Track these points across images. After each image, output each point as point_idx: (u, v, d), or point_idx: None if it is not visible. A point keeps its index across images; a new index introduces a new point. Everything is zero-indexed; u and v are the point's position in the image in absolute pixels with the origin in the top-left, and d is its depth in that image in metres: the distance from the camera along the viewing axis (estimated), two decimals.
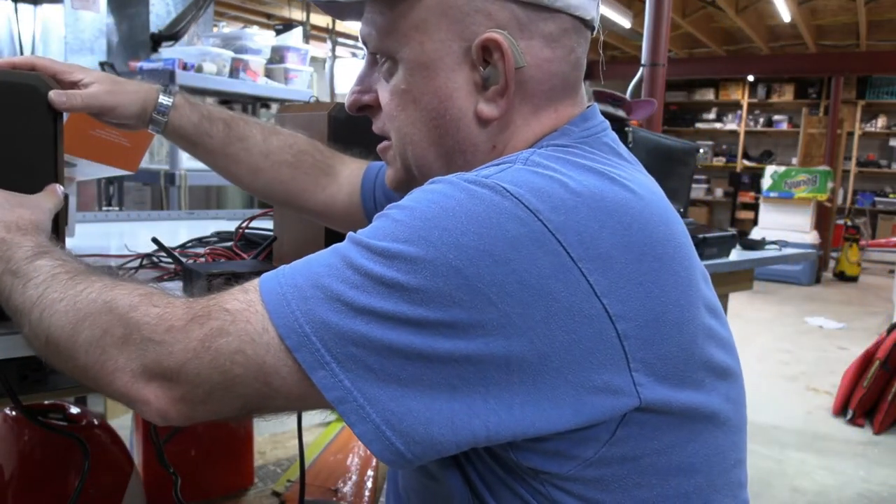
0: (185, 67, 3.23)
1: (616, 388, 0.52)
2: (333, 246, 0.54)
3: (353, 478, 2.07)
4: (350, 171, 1.00)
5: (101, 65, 3.24)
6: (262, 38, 3.85)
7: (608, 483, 0.55)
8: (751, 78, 9.55)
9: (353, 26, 8.22)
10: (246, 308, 0.53)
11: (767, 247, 2.08)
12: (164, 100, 0.90)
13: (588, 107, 0.68)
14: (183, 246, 1.32)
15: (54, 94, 0.78)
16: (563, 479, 0.55)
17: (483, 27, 0.60)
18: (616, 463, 0.55)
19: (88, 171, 1.16)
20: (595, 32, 0.67)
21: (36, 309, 0.59)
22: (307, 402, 0.54)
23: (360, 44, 0.69)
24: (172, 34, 3.75)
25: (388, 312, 0.50)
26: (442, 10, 0.60)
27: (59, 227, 0.79)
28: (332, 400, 0.51)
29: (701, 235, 1.63)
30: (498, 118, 0.62)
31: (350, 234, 0.54)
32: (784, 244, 2.19)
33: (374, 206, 0.95)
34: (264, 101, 4.20)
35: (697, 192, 9.50)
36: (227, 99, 4.17)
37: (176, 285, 1.02)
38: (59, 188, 0.78)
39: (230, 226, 1.47)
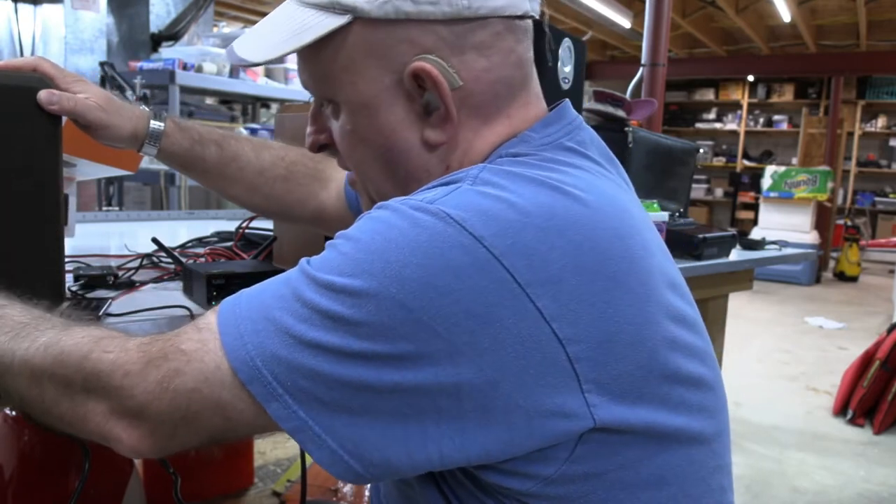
0: (185, 67, 3.23)
1: (569, 411, 0.52)
2: (286, 274, 0.55)
3: None
4: (340, 175, 1.00)
5: (102, 65, 3.24)
6: None
7: (573, 499, 0.55)
8: (751, 78, 9.55)
9: None
10: (200, 347, 0.54)
11: (767, 247, 2.08)
12: (155, 126, 0.90)
13: (555, 106, 0.66)
14: (183, 246, 1.32)
15: (44, 94, 0.77)
16: (527, 496, 0.55)
17: (409, 56, 0.59)
18: (579, 480, 0.54)
19: (88, 171, 1.16)
20: (542, 19, 0.66)
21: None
22: (268, 429, 0.55)
23: None
24: (172, 34, 3.75)
25: (334, 346, 0.50)
26: (366, 48, 0.60)
27: (58, 228, 0.79)
28: (288, 430, 0.52)
29: (701, 235, 1.63)
30: (447, 142, 0.62)
31: (301, 261, 0.55)
32: (784, 244, 2.19)
33: (359, 208, 0.96)
34: (264, 101, 4.20)
35: (697, 192, 9.50)
36: (227, 99, 4.17)
37: (176, 285, 1.02)
38: None
39: (230, 226, 1.47)
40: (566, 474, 0.54)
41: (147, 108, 0.91)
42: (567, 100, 0.68)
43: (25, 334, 0.59)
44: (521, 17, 0.63)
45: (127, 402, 0.55)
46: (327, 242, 0.56)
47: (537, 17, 0.65)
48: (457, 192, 0.54)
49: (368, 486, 2.06)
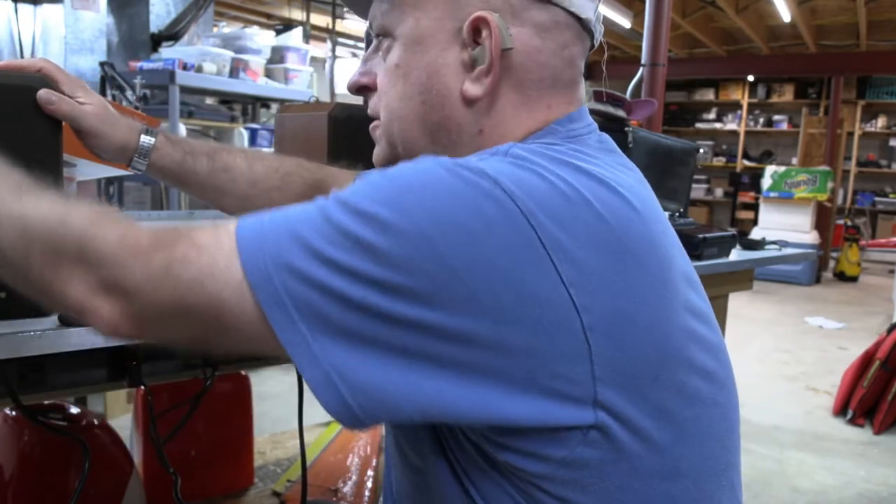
0: (185, 67, 3.23)
1: (574, 377, 0.52)
2: (316, 199, 0.55)
3: (353, 478, 2.07)
4: (339, 184, 1.00)
5: (101, 65, 3.24)
6: (262, 38, 3.85)
7: (587, 485, 0.55)
8: (751, 78, 9.55)
9: (352, 26, 8.17)
10: (214, 243, 0.53)
11: (767, 247, 2.08)
12: (145, 141, 0.89)
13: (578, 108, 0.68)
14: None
15: (44, 93, 0.77)
16: (539, 479, 0.55)
17: (476, 8, 0.61)
18: (593, 465, 0.54)
19: (88, 171, 1.16)
20: (595, 41, 0.68)
21: None
22: (256, 345, 0.54)
23: (360, 44, 0.70)
24: (172, 34, 3.75)
25: (353, 268, 0.50)
26: None
27: None
28: (284, 342, 0.51)
29: (701, 235, 1.63)
30: (482, 98, 0.63)
31: (333, 191, 0.55)
32: (784, 244, 2.19)
33: None
34: (264, 101, 4.20)
35: (697, 192, 9.50)
36: (227, 99, 4.17)
37: None
38: None
39: None
40: (580, 458, 0.54)
41: (141, 124, 0.90)
42: (585, 106, 0.69)
43: (29, 193, 0.57)
44: (583, 23, 0.64)
45: (124, 278, 0.53)
46: (360, 175, 0.56)
47: (596, 34, 0.67)
48: (492, 159, 0.56)
49: (368, 484, 2.06)
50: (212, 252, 0.53)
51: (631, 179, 0.62)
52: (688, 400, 0.57)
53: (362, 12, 0.73)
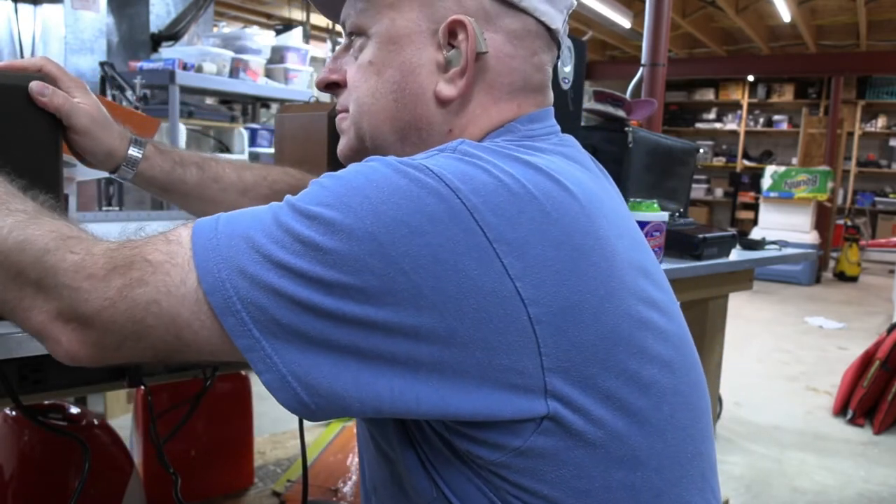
0: (185, 67, 3.23)
1: (524, 369, 0.53)
2: (270, 204, 0.56)
3: (353, 478, 2.07)
4: None
5: (102, 65, 3.24)
6: (262, 38, 3.86)
7: (543, 473, 0.56)
8: (751, 78, 9.55)
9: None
10: (167, 260, 0.54)
11: (767, 247, 2.08)
12: (134, 151, 0.89)
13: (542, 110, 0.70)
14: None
15: (36, 85, 0.77)
16: (498, 467, 0.56)
17: (451, 11, 0.63)
18: (548, 454, 0.55)
19: (88, 171, 1.16)
20: (559, 51, 0.70)
21: None
22: (218, 356, 0.55)
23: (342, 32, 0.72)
24: (172, 34, 3.75)
25: (301, 270, 0.51)
26: None
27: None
28: (241, 347, 0.52)
29: (701, 235, 1.63)
30: (455, 98, 0.64)
31: (287, 196, 0.56)
32: (784, 244, 2.19)
33: None
34: (264, 101, 4.20)
35: (697, 192, 9.50)
36: (227, 99, 4.17)
37: None
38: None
39: None
40: (535, 447, 0.55)
41: (132, 135, 0.89)
42: (551, 107, 0.71)
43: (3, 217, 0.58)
44: (552, 34, 0.67)
45: (81, 305, 0.54)
46: (312, 181, 0.57)
47: (563, 45, 0.70)
48: (439, 156, 0.57)
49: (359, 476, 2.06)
50: (166, 269, 0.54)
51: (581, 174, 0.63)
52: (643, 388, 0.58)
53: (331, 13, 0.74)
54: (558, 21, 0.67)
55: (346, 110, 0.71)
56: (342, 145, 0.72)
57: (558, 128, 0.70)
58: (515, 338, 0.52)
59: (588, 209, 0.58)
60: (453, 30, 0.63)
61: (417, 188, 0.52)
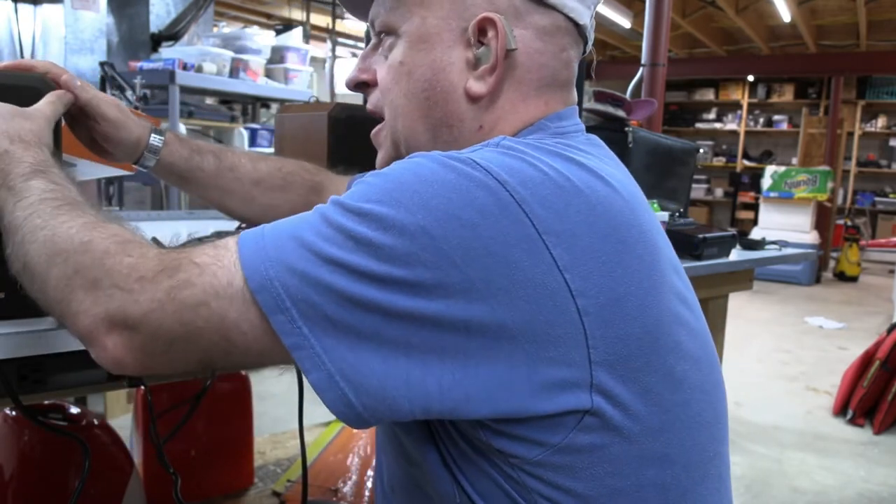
0: (185, 67, 3.23)
1: (571, 361, 0.53)
2: (316, 206, 0.56)
3: (353, 478, 2.07)
4: (337, 188, 1.01)
5: (102, 65, 3.24)
6: (262, 38, 3.86)
7: (579, 471, 0.55)
8: (751, 78, 9.55)
9: (352, 26, 8.18)
10: (214, 262, 0.54)
11: (767, 247, 2.08)
12: (155, 140, 0.91)
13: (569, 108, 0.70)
14: (183, 246, 1.32)
15: (69, 77, 0.79)
16: (533, 465, 0.56)
17: (482, 9, 0.63)
18: (585, 450, 0.55)
19: (88, 171, 1.15)
20: (587, 46, 0.70)
21: (19, 232, 0.60)
22: (265, 358, 0.55)
23: (360, 44, 0.71)
24: (172, 34, 3.75)
25: (353, 265, 0.51)
26: None
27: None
28: (288, 346, 0.52)
29: (701, 235, 1.63)
30: (485, 95, 0.64)
31: (332, 196, 0.56)
32: (784, 244, 2.19)
33: None
34: (264, 101, 4.20)
35: (697, 192, 9.50)
36: (227, 99, 4.17)
37: None
38: (65, 93, 0.78)
39: (230, 225, 1.46)
40: (574, 443, 0.55)
41: (150, 124, 0.91)
42: (575, 106, 0.71)
43: (67, 211, 0.60)
44: (580, 29, 0.67)
45: (130, 307, 0.54)
46: (357, 179, 0.58)
47: (589, 40, 0.70)
48: (481, 150, 0.57)
49: (368, 484, 2.06)
50: (213, 270, 0.54)
51: (620, 174, 0.63)
52: (677, 384, 0.58)
53: (361, 14, 0.74)
54: (586, 17, 0.67)
55: (379, 112, 0.71)
56: (381, 158, 0.73)
57: (583, 125, 0.70)
58: (564, 330, 0.52)
59: (631, 203, 0.59)
60: (483, 27, 0.63)
61: (466, 181, 0.52)
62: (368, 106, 0.72)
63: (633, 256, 0.56)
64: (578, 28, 0.67)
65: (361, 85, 0.72)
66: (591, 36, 0.70)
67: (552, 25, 0.65)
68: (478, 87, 0.64)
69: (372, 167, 1.01)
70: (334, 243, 0.51)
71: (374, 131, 0.73)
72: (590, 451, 0.55)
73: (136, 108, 2.96)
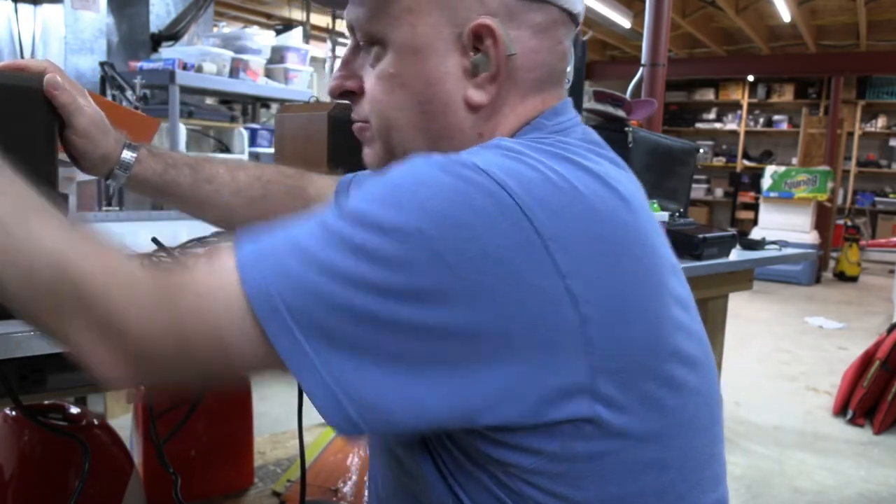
0: (185, 67, 3.23)
1: (573, 369, 0.52)
2: (316, 212, 0.55)
3: (353, 478, 2.07)
4: (317, 191, 0.99)
5: (102, 65, 3.24)
6: (262, 38, 3.86)
7: (576, 478, 0.55)
8: (751, 78, 9.55)
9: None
10: (209, 267, 0.52)
11: (767, 247, 2.08)
12: (126, 156, 0.89)
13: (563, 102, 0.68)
14: (183, 246, 1.32)
15: (51, 77, 0.78)
16: (529, 473, 0.55)
17: (474, 13, 0.60)
18: (583, 458, 0.54)
19: None
20: (578, 27, 0.68)
21: None
22: (263, 369, 0.53)
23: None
24: (172, 34, 3.76)
25: (351, 273, 0.49)
26: None
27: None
28: (285, 358, 0.50)
29: (701, 235, 1.63)
30: (486, 105, 0.62)
31: (325, 200, 0.55)
32: (784, 244, 2.19)
33: None
34: (264, 101, 4.20)
35: (697, 192, 9.50)
36: (227, 99, 4.17)
37: None
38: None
39: None
40: (571, 451, 0.54)
41: (125, 139, 0.90)
42: (570, 98, 0.69)
43: (34, 221, 0.53)
44: (573, 17, 0.65)
45: (119, 316, 0.51)
46: (346, 179, 0.55)
47: (580, 17, 0.67)
48: (483, 152, 0.55)
49: (367, 483, 2.06)
50: (207, 274, 0.52)
51: (619, 172, 0.62)
52: (675, 389, 0.57)
53: (337, 6, 0.70)
54: (579, 4, 0.65)
55: (366, 121, 0.68)
56: (369, 157, 0.70)
57: (579, 117, 0.69)
58: (565, 337, 0.51)
59: (632, 205, 0.57)
60: (479, 33, 0.60)
61: (466, 185, 0.51)
62: (354, 115, 0.69)
63: (634, 261, 0.55)
64: (572, 16, 0.65)
65: (346, 93, 0.68)
66: (582, 14, 0.67)
67: (547, 20, 0.62)
68: (478, 96, 0.62)
69: (356, 170, 1.01)
70: (331, 249, 0.50)
71: (357, 127, 0.70)
72: (587, 458, 0.54)
73: (136, 108, 2.96)
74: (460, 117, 0.63)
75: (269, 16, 8.07)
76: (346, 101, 0.70)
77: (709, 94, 10.02)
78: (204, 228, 1.56)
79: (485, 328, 0.50)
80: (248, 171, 0.99)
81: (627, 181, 0.62)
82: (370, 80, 0.65)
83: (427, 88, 0.62)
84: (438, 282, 0.49)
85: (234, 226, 1.00)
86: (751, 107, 9.84)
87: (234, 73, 3.57)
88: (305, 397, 0.52)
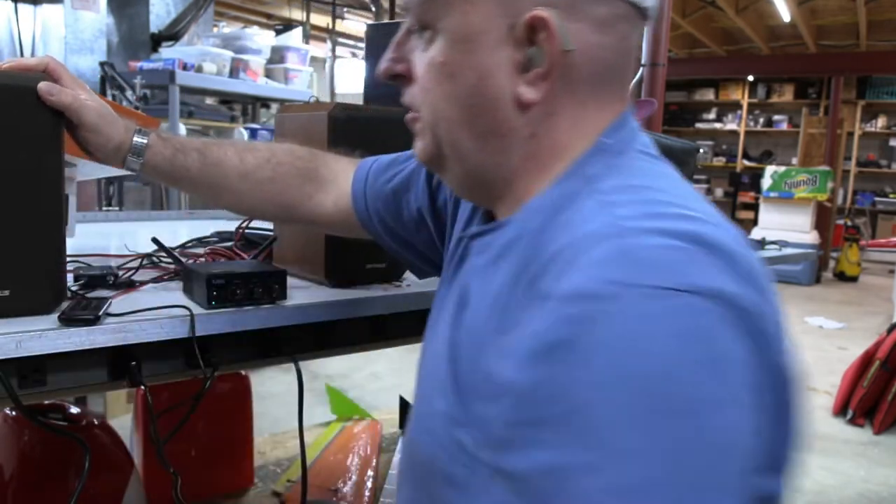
0: (185, 67, 3.23)
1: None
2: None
3: (353, 478, 2.07)
4: (335, 175, 0.97)
5: (102, 65, 3.24)
6: (262, 38, 3.86)
7: None
8: (751, 78, 9.55)
9: (352, 26, 8.14)
10: None
11: (767, 247, 2.08)
12: (138, 140, 0.88)
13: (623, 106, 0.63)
14: (183, 246, 1.32)
15: (44, 85, 0.77)
16: None
17: (531, 4, 0.55)
18: None
19: (88, 170, 1.16)
20: (649, 23, 0.62)
21: None
22: None
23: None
24: (172, 34, 3.76)
25: None
26: None
27: (60, 227, 0.79)
28: None
29: None
30: (538, 103, 0.57)
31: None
32: (784, 244, 2.19)
33: (367, 211, 0.91)
34: (264, 101, 4.21)
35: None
36: (227, 99, 4.17)
37: (176, 285, 1.02)
38: None
39: (230, 226, 1.47)
40: None
41: (135, 125, 0.90)
42: (630, 104, 0.65)
43: None
44: (642, 12, 0.59)
45: None
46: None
47: (652, 11, 0.62)
48: (658, 218, 0.49)
49: (368, 484, 2.06)
50: None
51: (692, 193, 0.58)
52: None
53: None
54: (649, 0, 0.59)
55: (414, 107, 0.64)
56: (420, 150, 0.66)
57: (636, 124, 0.64)
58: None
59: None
60: (533, 25, 0.55)
61: (707, 331, 0.45)
62: (403, 100, 0.66)
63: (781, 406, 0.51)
64: (640, 11, 0.59)
65: (396, 77, 0.65)
66: (654, 9, 0.61)
67: (611, 14, 0.56)
68: (529, 93, 0.57)
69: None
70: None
71: (408, 117, 0.66)
72: None
73: (137, 108, 2.96)
74: (510, 115, 0.59)
75: (269, 16, 8.08)
76: (394, 84, 0.67)
77: (709, 94, 10.03)
78: (203, 228, 1.56)
79: None
80: (258, 154, 0.96)
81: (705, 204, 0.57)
82: (421, 65, 0.62)
83: (477, 81, 0.58)
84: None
85: (244, 209, 0.99)
86: (751, 107, 9.84)
87: (234, 73, 3.57)
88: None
